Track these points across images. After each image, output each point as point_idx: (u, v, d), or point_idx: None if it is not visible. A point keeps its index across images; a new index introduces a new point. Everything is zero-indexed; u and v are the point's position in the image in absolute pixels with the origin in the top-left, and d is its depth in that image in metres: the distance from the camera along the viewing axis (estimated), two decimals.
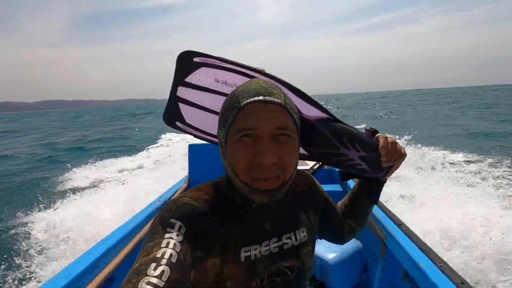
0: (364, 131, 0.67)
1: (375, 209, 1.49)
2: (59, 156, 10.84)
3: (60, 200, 4.62)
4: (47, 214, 3.98)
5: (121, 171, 6.77)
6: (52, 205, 4.37)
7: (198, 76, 0.66)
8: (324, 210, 0.69)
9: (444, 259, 1.04)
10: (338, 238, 0.75)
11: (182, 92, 0.67)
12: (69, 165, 7.44)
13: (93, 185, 5.84)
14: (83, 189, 5.64)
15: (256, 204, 0.53)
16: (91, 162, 7.95)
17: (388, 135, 0.67)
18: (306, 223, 0.62)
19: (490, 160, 5.73)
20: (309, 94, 0.68)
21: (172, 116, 0.70)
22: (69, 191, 5.22)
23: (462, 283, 0.86)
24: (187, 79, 0.66)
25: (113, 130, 20.21)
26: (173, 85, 0.67)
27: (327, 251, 1.46)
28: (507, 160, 5.59)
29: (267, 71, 0.67)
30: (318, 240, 1.59)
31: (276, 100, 0.47)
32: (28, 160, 10.21)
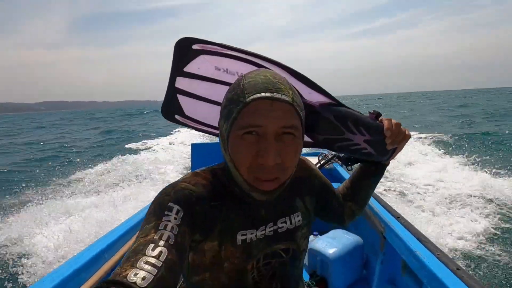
0: (367, 114, 0.66)
1: (374, 203, 1.49)
2: (115, 139, 15.11)
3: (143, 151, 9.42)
4: (146, 154, 8.68)
5: (169, 143, 11.17)
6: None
7: (197, 65, 0.63)
8: (321, 194, 0.69)
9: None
10: (338, 221, 0.75)
11: (181, 82, 0.64)
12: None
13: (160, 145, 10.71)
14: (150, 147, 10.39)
15: (246, 193, 0.52)
16: (143, 140, 12.45)
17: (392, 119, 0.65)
18: (301, 208, 0.62)
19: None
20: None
21: (171, 109, 0.67)
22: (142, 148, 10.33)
23: (458, 269, 0.88)
24: (186, 69, 0.63)
25: (136, 124, 23.70)
26: (171, 75, 0.64)
27: (328, 246, 1.46)
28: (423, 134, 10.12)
29: None
30: (319, 236, 1.61)
31: (283, 97, 0.45)
32: (98, 141, 14.35)
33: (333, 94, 0.66)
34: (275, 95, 0.45)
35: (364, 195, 0.73)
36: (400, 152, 0.68)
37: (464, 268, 0.89)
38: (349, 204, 0.73)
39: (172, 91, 0.65)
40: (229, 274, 0.52)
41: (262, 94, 0.45)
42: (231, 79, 0.63)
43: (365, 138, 0.64)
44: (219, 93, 0.63)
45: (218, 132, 0.65)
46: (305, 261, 1.53)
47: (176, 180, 0.53)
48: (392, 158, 0.69)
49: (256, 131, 0.46)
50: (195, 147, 2.32)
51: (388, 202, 1.51)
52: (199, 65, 0.63)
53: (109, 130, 18.84)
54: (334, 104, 0.65)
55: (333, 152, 1.59)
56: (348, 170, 0.78)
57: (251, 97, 0.45)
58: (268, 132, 0.45)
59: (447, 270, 0.90)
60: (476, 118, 15.38)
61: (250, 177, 0.48)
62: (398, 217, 1.31)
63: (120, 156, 8.07)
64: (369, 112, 0.66)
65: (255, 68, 0.62)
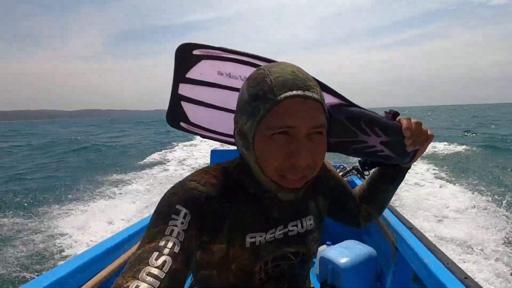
0: (384, 113, 0.60)
1: (387, 213, 1.43)
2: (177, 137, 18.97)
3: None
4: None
5: None
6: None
7: (199, 70, 0.61)
8: (337, 194, 0.66)
9: None
10: (353, 223, 0.71)
11: (184, 89, 0.62)
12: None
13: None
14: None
15: (270, 195, 0.49)
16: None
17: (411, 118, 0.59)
18: (314, 210, 0.59)
19: None
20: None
21: (175, 116, 0.64)
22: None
23: (466, 278, 0.86)
24: (188, 75, 0.61)
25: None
26: (173, 82, 0.62)
27: (340, 255, 1.41)
28: None
29: None
30: (332, 246, 1.54)
31: (314, 95, 0.43)
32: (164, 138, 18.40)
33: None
34: (307, 93, 0.42)
35: (382, 198, 0.69)
36: (424, 153, 0.63)
37: (472, 276, 0.88)
38: (366, 207, 0.69)
39: (176, 98, 0.63)
40: (237, 274, 0.50)
41: (294, 92, 0.42)
42: (235, 83, 0.61)
43: (381, 140, 0.59)
44: (223, 98, 0.62)
45: (223, 138, 0.64)
46: (317, 269, 1.52)
47: (186, 176, 0.50)
48: (415, 161, 0.63)
49: (288, 131, 0.43)
50: (214, 154, 2.25)
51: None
52: (201, 70, 0.61)
53: (167, 130, 23.74)
54: (346, 104, 0.61)
55: (352, 165, 1.72)
56: (365, 175, 0.73)
57: (283, 95, 0.42)
58: (300, 133, 0.43)
59: (454, 278, 0.87)
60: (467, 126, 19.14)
61: (277, 177, 0.45)
62: (410, 227, 1.26)
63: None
64: (385, 111, 0.62)
65: None
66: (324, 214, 0.63)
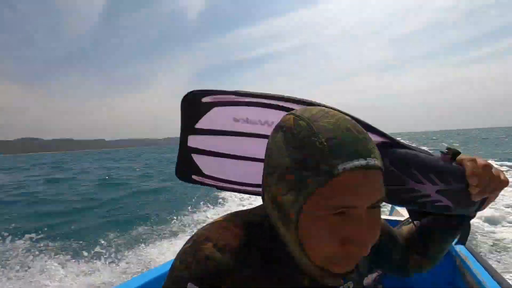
0: (440, 154, 0.49)
1: (469, 258, 1.12)
2: None
3: None
4: None
5: None
6: None
7: (211, 119, 0.55)
8: (381, 246, 0.53)
9: None
10: (399, 273, 0.60)
11: (194, 141, 0.57)
12: None
13: None
14: None
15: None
16: None
17: (477, 157, 0.46)
18: (354, 276, 0.47)
19: None
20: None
21: (186, 170, 0.58)
22: None
23: None
24: (198, 125, 0.56)
25: None
26: (181, 135, 0.56)
27: None
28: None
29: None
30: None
31: (377, 163, 0.34)
32: None
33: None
34: (370, 161, 0.33)
35: (437, 250, 0.56)
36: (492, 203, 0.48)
37: None
38: (416, 258, 0.58)
39: (186, 152, 0.57)
40: None
41: (356, 163, 0.32)
42: (254, 129, 0.54)
43: (438, 188, 0.48)
44: (242, 146, 0.55)
45: (244, 188, 0.57)
46: None
47: (202, 231, 0.41)
48: (483, 209, 0.50)
49: (345, 211, 0.33)
50: None
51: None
52: (213, 118, 0.55)
53: None
54: (389, 144, 0.48)
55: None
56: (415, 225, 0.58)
57: (341, 167, 0.32)
58: (362, 214, 0.33)
59: None
60: None
61: (326, 263, 0.36)
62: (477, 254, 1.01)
63: None
64: (441, 152, 0.49)
65: (279, 112, 0.49)
66: (365, 273, 0.52)
